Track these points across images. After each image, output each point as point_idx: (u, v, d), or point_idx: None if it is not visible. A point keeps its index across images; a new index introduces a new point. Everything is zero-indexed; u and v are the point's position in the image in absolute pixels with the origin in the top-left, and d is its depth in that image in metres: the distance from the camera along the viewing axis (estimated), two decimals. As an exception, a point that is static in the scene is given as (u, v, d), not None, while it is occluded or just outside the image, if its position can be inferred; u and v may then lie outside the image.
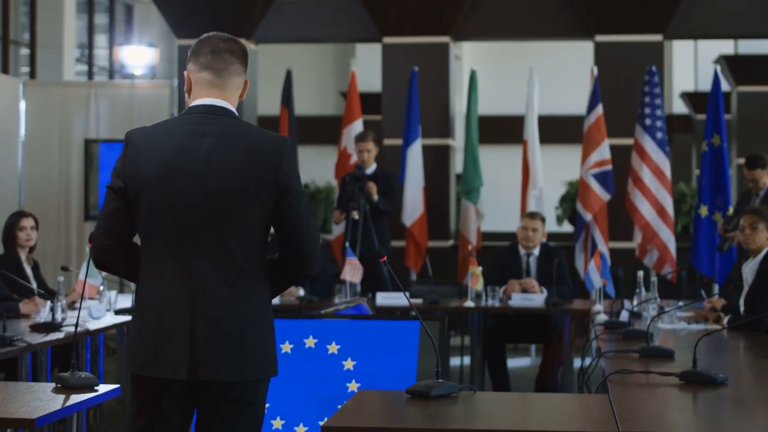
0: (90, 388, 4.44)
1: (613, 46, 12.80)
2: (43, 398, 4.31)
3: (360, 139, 10.83)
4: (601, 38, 12.85)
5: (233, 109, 4.00)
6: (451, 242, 13.16)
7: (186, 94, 4.06)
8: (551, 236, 15.19)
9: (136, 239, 4.01)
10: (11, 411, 4.07)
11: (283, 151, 3.92)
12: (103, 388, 4.47)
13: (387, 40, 13.22)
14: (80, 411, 4.54)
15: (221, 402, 3.86)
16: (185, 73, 4.06)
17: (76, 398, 4.31)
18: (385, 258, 4.47)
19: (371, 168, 10.68)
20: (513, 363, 11.40)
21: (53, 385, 4.50)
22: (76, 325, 4.52)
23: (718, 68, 11.39)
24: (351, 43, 19.67)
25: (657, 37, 12.75)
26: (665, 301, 8.56)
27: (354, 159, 12.00)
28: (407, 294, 4.46)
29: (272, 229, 3.96)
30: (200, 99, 3.98)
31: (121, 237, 3.94)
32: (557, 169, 16.94)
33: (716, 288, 11.05)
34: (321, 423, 3.86)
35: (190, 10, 13.25)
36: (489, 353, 9.23)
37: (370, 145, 10.75)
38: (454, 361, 10.18)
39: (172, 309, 3.82)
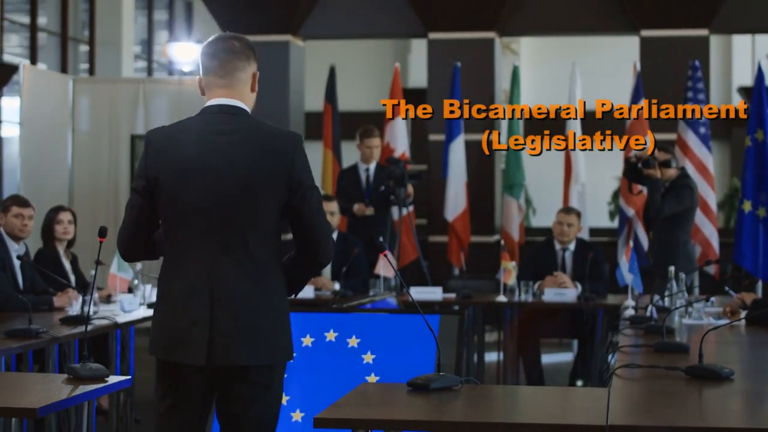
0: (100, 379, 4.50)
1: (659, 41, 12.74)
2: (51, 389, 4.40)
3: (366, 135, 10.79)
4: (646, 33, 12.80)
5: (245, 106, 4.20)
6: (496, 237, 13.16)
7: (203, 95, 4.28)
8: (602, 231, 15.19)
9: None
10: (16, 401, 4.16)
11: (296, 147, 4.11)
12: (112, 379, 4.54)
13: (433, 35, 13.26)
14: (90, 401, 4.63)
15: (239, 385, 4.08)
16: (197, 77, 4.30)
17: (83, 389, 4.37)
18: (386, 252, 4.53)
19: (372, 164, 10.71)
20: (555, 358, 11.43)
21: (64, 376, 4.58)
22: (87, 318, 4.63)
23: (763, 63, 11.28)
24: (396, 39, 19.66)
25: (703, 32, 12.68)
26: (705, 296, 8.49)
27: (397, 153, 12.03)
28: (408, 289, 4.51)
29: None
30: (213, 99, 4.19)
31: (144, 233, 4.20)
32: (609, 164, 16.85)
33: (759, 284, 10.95)
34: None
35: (238, 8, 13.35)
36: (523, 348, 9.26)
37: (377, 141, 10.75)
38: (490, 357, 10.18)
39: (192, 298, 4.04)
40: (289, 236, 4.17)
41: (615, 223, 17.24)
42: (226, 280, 4.03)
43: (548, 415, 4.03)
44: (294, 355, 4.26)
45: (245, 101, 4.20)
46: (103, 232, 4.68)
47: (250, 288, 4.04)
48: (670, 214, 9.58)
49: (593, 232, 13.21)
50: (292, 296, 4.28)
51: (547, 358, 10.70)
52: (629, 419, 3.86)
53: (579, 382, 9.26)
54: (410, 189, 10.50)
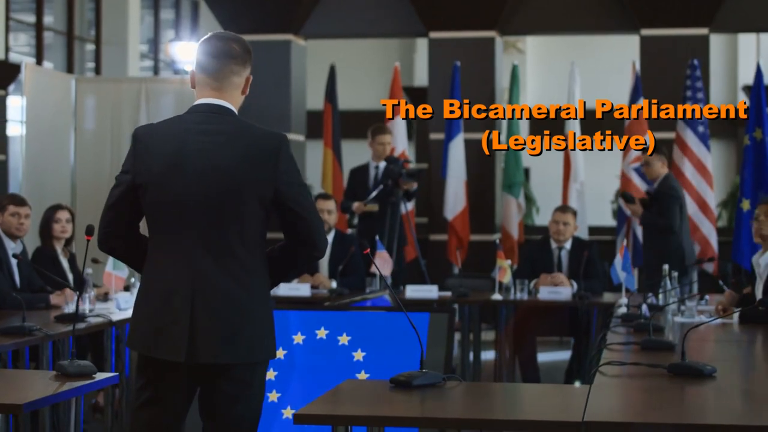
0: (87, 376, 4.55)
1: (659, 40, 12.75)
2: (38, 385, 4.46)
3: (378, 132, 10.82)
4: (646, 32, 12.81)
5: (233, 108, 4.21)
6: (496, 236, 13.20)
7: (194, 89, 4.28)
8: (605, 230, 15.20)
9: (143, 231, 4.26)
10: (2, 397, 4.19)
11: (280, 148, 4.13)
12: (100, 376, 4.59)
13: (433, 34, 13.29)
14: (77, 397, 4.67)
15: (222, 383, 4.11)
16: (191, 70, 4.28)
17: (70, 385, 4.42)
18: (368, 250, 4.58)
19: (383, 162, 10.73)
20: (554, 356, 11.44)
21: (53, 373, 4.63)
22: (75, 316, 4.66)
23: (762, 63, 11.31)
24: (397, 38, 19.65)
25: (703, 31, 12.69)
26: (698, 294, 8.52)
27: (397, 152, 12.06)
28: (391, 288, 4.55)
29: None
30: (202, 99, 4.21)
31: (122, 226, 4.24)
32: (612, 162, 16.87)
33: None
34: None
35: (239, 7, 13.39)
36: (518, 347, 9.29)
37: (389, 138, 10.78)
38: (487, 355, 10.20)
39: (174, 297, 4.07)
40: (279, 235, 4.19)
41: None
42: (208, 280, 4.05)
43: (526, 412, 4.09)
44: (277, 353, 4.29)
45: (233, 103, 4.22)
46: (90, 231, 4.72)
47: (232, 287, 4.06)
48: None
49: (596, 230, 13.25)
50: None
51: (546, 356, 10.72)
52: (606, 416, 3.88)
53: (577, 382, 9.29)
54: (413, 184, 10.49)
